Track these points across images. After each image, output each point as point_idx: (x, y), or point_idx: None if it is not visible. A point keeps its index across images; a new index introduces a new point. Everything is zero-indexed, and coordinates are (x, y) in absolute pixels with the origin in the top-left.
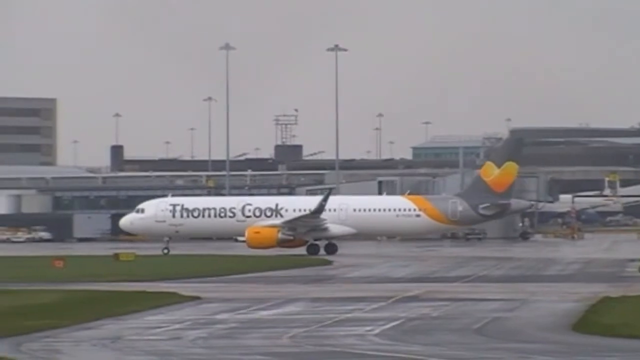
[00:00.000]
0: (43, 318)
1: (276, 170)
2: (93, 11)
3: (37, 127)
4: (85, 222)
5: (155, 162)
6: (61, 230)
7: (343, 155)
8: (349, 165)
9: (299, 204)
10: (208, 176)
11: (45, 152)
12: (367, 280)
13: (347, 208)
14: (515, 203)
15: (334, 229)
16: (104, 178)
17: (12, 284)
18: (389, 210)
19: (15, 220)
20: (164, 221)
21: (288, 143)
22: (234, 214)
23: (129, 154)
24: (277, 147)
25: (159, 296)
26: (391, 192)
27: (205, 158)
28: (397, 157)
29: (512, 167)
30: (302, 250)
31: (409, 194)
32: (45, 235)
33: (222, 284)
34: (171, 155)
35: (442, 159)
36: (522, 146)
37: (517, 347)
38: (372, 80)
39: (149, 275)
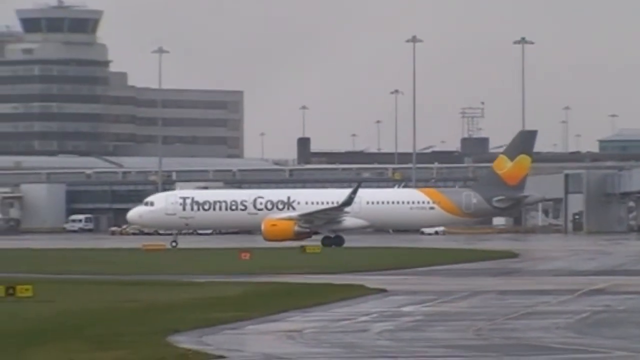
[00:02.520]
0: (229, 310)
1: (462, 163)
2: (277, 10)
3: (225, 120)
4: None
5: (342, 155)
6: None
7: None
8: (535, 157)
9: (312, 197)
10: (394, 169)
11: (232, 144)
12: (553, 273)
13: (360, 201)
14: (531, 196)
15: (348, 221)
16: (291, 170)
17: (199, 276)
18: (403, 202)
19: None
20: (174, 214)
21: (474, 136)
22: (246, 207)
23: (315, 146)
24: (463, 139)
25: (345, 289)
26: (577, 186)
27: (392, 150)
28: (583, 150)
29: (525, 160)
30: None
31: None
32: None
33: (408, 276)
34: (358, 147)
35: (629, 152)
36: (534, 139)
37: None
38: (559, 72)
39: (335, 267)
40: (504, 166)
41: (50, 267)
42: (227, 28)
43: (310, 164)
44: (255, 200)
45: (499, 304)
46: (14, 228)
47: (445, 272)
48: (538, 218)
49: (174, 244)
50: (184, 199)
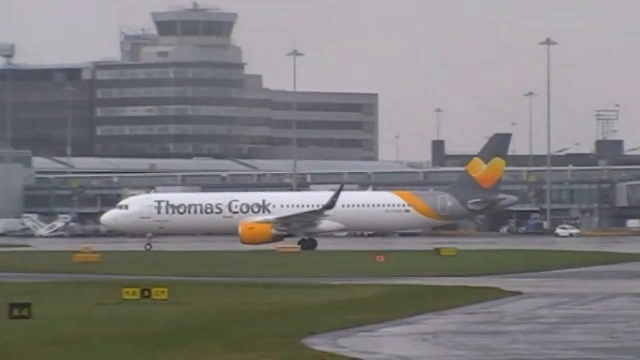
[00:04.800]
0: (364, 313)
1: (597, 165)
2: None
3: (360, 122)
4: None
5: None
6: None
7: None
8: None
9: (286, 200)
10: (529, 171)
11: (367, 147)
12: None
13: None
14: (506, 199)
15: (324, 224)
16: (425, 173)
17: (335, 278)
18: (379, 205)
19: None
20: (149, 217)
21: (609, 138)
22: (221, 210)
23: (450, 149)
24: (598, 142)
25: (480, 291)
26: None
27: (527, 153)
28: None
29: (499, 163)
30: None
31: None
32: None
33: (543, 279)
34: None
35: None
36: (508, 143)
37: None
38: None
39: (470, 270)
40: (478, 169)
41: (184, 270)
42: (361, 31)
43: (444, 167)
44: (230, 204)
45: (634, 307)
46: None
47: (579, 275)
48: None
49: (148, 247)
50: (159, 202)
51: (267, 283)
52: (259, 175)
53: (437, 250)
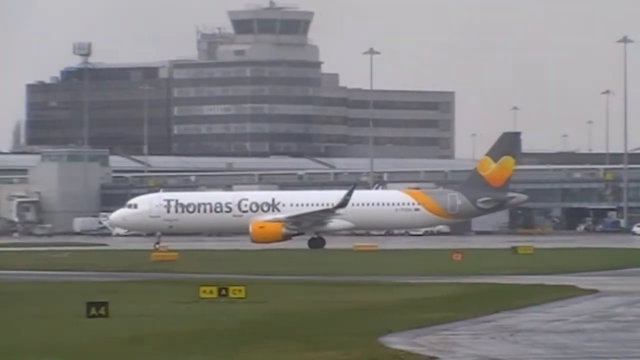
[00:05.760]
0: (441, 311)
1: None
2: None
3: (436, 121)
4: (483, 215)
5: (553, 155)
6: (459, 223)
7: None
8: None
9: (296, 199)
10: (605, 169)
11: (443, 145)
12: None
13: None
14: (516, 197)
15: (334, 223)
16: None
17: (411, 276)
18: (388, 204)
19: None
20: (159, 216)
21: None
22: (230, 209)
23: (526, 147)
24: None
25: (556, 289)
26: None
27: (603, 151)
28: None
29: (508, 161)
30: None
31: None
32: (443, 228)
33: (620, 277)
34: (569, 148)
35: None
36: (518, 141)
37: None
38: None
39: (548, 268)
40: (488, 167)
41: (259, 268)
42: (437, 29)
43: (521, 165)
44: (240, 203)
45: None
46: None
47: None
48: None
49: (157, 245)
50: (168, 201)
51: (344, 281)
52: (335, 174)
53: (514, 249)
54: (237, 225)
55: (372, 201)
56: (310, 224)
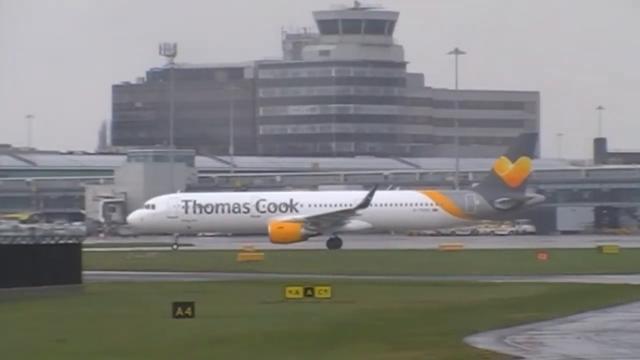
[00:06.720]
0: (527, 311)
1: None
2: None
3: (521, 120)
4: (568, 215)
5: (638, 155)
6: (544, 223)
7: None
8: None
9: (314, 199)
10: None
11: None
12: None
13: None
14: (534, 198)
15: (352, 224)
16: (587, 171)
17: (496, 276)
18: (406, 204)
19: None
20: (177, 217)
21: None
22: (248, 210)
23: (612, 146)
24: None
25: None
26: None
27: None
28: None
29: (526, 162)
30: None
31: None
32: (528, 228)
33: None
34: None
35: None
36: (534, 142)
37: None
38: None
39: (633, 267)
40: (505, 168)
41: (346, 269)
42: (520, 29)
43: (606, 164)
44: (258, 203)
45: None
46: None
47: None
48: None
49: (175, 246)
50: (186, 202)
51: (430, 281)
52: (421, 174)
53: (600, 248)
54: (255, 225)
55: (389, 202)
56: (329, 225)
